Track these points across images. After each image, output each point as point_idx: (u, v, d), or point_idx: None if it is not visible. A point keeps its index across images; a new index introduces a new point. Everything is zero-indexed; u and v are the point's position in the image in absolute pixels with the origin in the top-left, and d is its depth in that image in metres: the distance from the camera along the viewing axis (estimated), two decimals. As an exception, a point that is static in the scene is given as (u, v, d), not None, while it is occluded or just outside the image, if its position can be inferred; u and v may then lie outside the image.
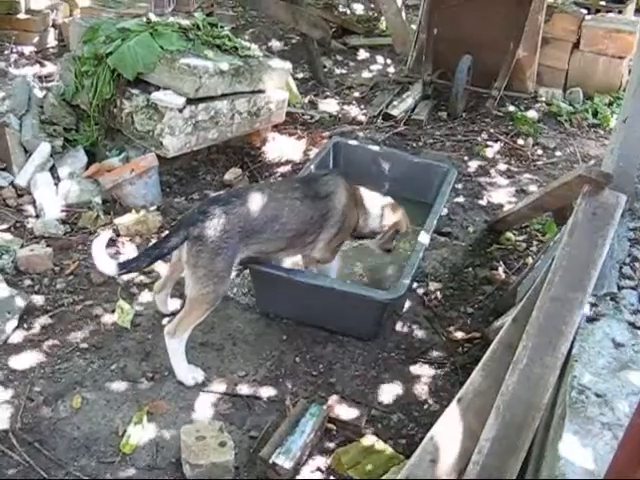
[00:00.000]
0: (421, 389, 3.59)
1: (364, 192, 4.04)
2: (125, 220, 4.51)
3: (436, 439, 2.72)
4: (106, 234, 3.50)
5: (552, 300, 2.72)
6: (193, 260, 3.35)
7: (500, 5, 6.86)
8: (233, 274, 4.23)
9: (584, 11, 7.70)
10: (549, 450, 2.43)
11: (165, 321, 3.82)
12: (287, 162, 5.68)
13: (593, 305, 2.81)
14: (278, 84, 5.60)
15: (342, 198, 3.80)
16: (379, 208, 4.04)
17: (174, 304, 3.91)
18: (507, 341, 2.84)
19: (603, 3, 8.49)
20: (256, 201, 3.54)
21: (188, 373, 3.51)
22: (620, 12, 8.28)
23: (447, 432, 2.72)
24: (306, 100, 6.89)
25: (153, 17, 5.32)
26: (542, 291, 2.79)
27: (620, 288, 2.93)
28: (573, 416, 2.29)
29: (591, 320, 2.74)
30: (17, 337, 3.69)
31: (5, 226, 4.54)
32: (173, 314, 3.73)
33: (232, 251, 3.40)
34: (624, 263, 3.06)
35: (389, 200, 4.12)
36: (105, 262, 3.29)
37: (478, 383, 2.79)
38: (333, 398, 3.42)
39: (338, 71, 7.94)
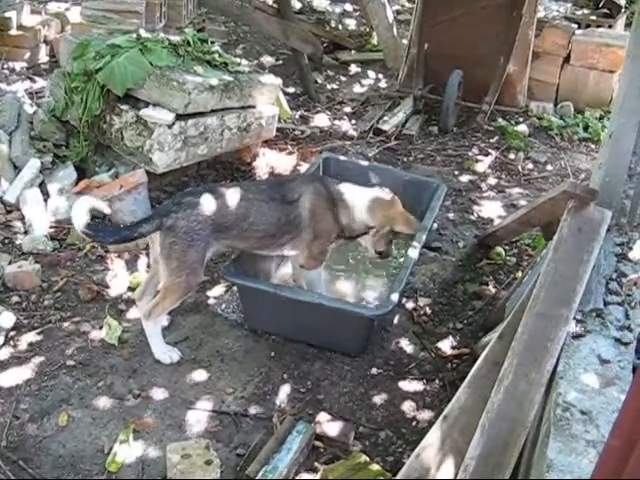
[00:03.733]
0: (409, 406, 3.57)
1: (347, 188, 3.96)
2: (114, 236, 4.48)
3: (422, 457, 2.71)
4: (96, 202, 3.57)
5: (537, 317, 2.71)
6: (166, 251, 3.49)
7: (490, 20, 6.90)
8: (222, 290, 4.24)
9: (574, 26, 7.76)
10: (535, 468, 2.43)
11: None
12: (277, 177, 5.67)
13: (579, 321, 2.80)
14: (268, 99, 5.61)
15: (307, 204, 3.80)
16: (366, 201, 3.91)
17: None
18: (493, 358, 2.84)
19: (593, 18, 8.53)
20: (228, 198, 3.67)
21: (165, 352, 3.69)
22: (610, 27, 8.34)
23: (433, 450, 2.71)
24: (297, 115, 6.90)
25: (143, 33, 5.32)
26: (527, 307, 2.78)
27: (606, 304, 2.92)
28: (558, 433, 2.28)
29: (577, 336, 2.74)
30: (3, 354, 3.66)
31: (-7, 242, 4.52)
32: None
33: (204, 243, 3.54)
34: (610, 278, 3.06)
35: (382, 193, 4.00)
36: (79, 217, 3.33)
37: (464, 400, 2.78)
38: (321, 415, 3.41)
39: (329, 86, 7.96)
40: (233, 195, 3.69)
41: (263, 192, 3.79)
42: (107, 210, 3.67)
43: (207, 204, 3.56)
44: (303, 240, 3.84)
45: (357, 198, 3.92)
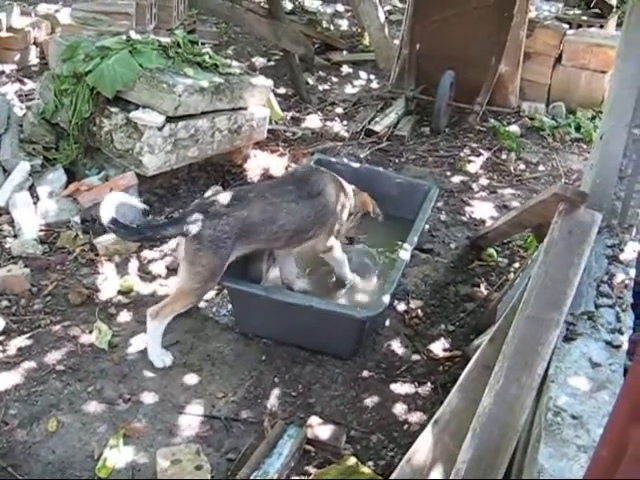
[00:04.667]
0: (401, 409, 3.56)
1: (339, 178, 4.21)
2: (104, 239, 4.46)
3: (413, 461, 2.70)
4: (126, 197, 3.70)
5: (528, 320, 2.70)
6: (190, 257, 3.53)
7: (482, 21, 6.89)
8: (213, 293, 4.22)
9: (566, 26, 7.75)
10: (526, 472, 2.41)
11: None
12: (269, 179, 5.64)
13: (570, 324, 2.79)
14: (259, 101, 5.59)
15: (332, 192, 4.00)
16: (350, 188, 4.23)
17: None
18: (483, 361, 2.83)
19: (585, 18, 8.53)
20: (255, 204, 3.70)
21: (159, 355, 3.69)
22: (602, 27, 8.33)
23: (424, 454, 2.70)
24: (288, 116, 6.88)
25: (133, 35, 5.30)
26: (518, 311, 2.77)
27: (597, 306, 2.91)
28: (548, 438, 2.27)
29: (568, 339, 2.73)
30: (-7, 359, 3.64)
31: (-18, 246, 4.48)
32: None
33: (228, 251, 3.57)
34: (602, 281, 3.05)
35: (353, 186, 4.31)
36: (107, 211, 3.41)
37: (455, 404, 2.77)
38: (312, 419, 3.39)
39: (321, 87, 7.95)
40: (260, 201, 3.72)
41: (291, 192, 3.85)
42: (141, 205, 3.87)
43: (234, 213, 3.59)
44: (328, 226, 3.97)
45: (346, 185, 4.20)
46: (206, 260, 3.51)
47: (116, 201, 3.47)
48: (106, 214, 3.41)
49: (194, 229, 3.48)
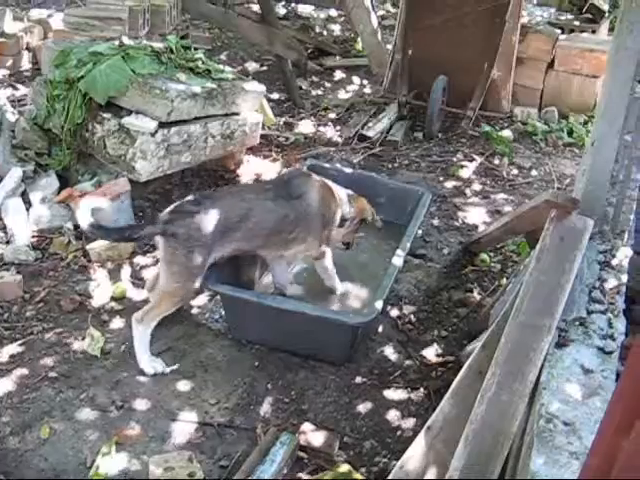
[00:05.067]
0: (394, 415, 3.56)
1: (331, 184, 4.24)
2: (97, 246, 4.45)
3: (406, 468, 2.70)
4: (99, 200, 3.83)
5: (520, 326, 2.70)
6: (169, 257, 3.59)
7: (474, 26, 6.90)
8: (205, 299, 4.21)
9: (558, 31, 7.76)
10: (518, 479, 2.41)
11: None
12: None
13: (562, 330, 2.79)
14: (252, 106, 5.59)
15: (315, 196, 4.00)
16: (346, 195, 4.27)
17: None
18: (476, 368, 2.83)
19: (577, 23, 8.56)
20: (229, 202, 3.77)
21: (149, 362, 3.69)
22: (594, 32, 8.36)
23: (417, 461, 2.70)
24: (281, 122, 6.88)
25: (126, 40, 5.30)
26: (510, 317, 2.77)
27: (589, 312, 2.91)
28: (541, 445, 2.26)
29: (560, 346, 2.72)
30: (-16, 367, 3.63)
31: (-26, 253, 4.47)
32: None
33: (206, 249, 3.60)
34: (594, 287, 3.05)
35: (350, 192, 4.34)
36: (84, 218, 3.47)
37: (447, 411, 2.77)
38: (305, 425, 3.39)
39: (314, 92, 7.94)
40: (234, 199, 3.80)
41: (268, 191, 3.92)
42: (105, 204, 3.96)
43: (207, 212, 3.63)
44: (315, 230, 4.00)
45: (341, 192, 4.24)
46: (183, 259, 3.56)
47: (90, 205, 3.52)
48: (83, 220, 3.48)
49: (170, 228, 3.54)
